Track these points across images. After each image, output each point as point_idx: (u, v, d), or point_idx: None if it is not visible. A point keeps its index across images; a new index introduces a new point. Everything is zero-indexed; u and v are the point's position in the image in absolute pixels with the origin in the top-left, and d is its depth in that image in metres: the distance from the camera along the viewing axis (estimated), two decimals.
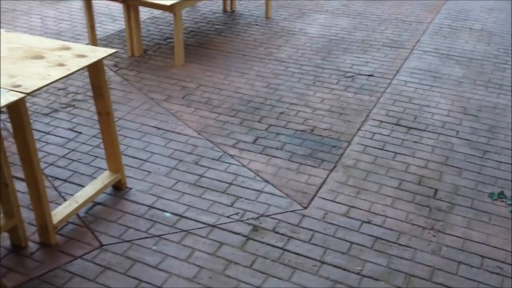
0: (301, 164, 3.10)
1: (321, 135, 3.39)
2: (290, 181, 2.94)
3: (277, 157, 3.16)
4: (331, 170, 3.04)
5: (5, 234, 2.44)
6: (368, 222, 2.63)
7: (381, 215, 2.68)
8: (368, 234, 2.55)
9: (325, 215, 2.68)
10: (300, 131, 3.44)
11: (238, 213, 2.68)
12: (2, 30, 2.74)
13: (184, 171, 3.00)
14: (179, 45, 4.34)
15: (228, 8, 5.74)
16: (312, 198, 2.80)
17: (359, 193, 2.84)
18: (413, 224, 2.61)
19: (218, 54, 4.63)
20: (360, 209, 2.72)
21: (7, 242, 2.44)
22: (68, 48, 2.55)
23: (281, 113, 3.66)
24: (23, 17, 5.29)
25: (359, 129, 3.46)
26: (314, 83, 4.12)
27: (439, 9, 5.88)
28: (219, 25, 5.30)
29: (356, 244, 2.49)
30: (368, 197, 2.81)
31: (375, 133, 3.42)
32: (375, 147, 3.26)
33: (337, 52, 4.69)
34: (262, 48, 4.77)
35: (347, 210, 2.72)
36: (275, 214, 2.68)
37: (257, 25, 5.32)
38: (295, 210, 2.71)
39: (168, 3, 4.15)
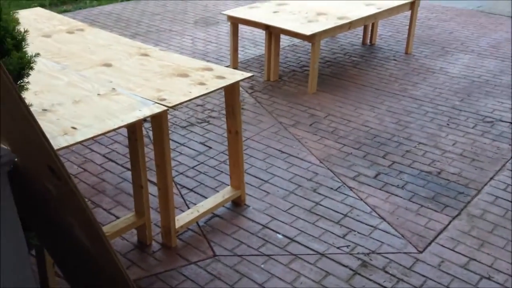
0: (422, 206, 2.98)
1: (447, 179, 3.24)
2: (408, 222, 2.85)
3: (397, 195, 3.08)
4: (454, 217, 2.88)
5: (134, 231, 2.69)
6: (488, 278, 2.44)
7: (504, 273, 2.48)
8: None
9: (441, 263, 2.55)
10: (426, 172, 3.31)
11: (349, 245, 2.66)
12: (157, 48, 3.06)
13: (301, 197, 3.06)
14: (313, 73, 4.45)
15: (368, 41, 5.74)
16: (430, 243, 2.68)
17: (482, 246, 2.66)
18: None
19: (351, 86, 4.65)
20: (482, 263, 2.54)
21: (134, 238, 2.69)
22: (210, 69, 2.77)
23: (408, 151, 3.56)
24: (177, 37, 5.81)
25: (492, 178, 3.24)
26: (448, 124, 3.95)
27: None
28: (356, 57, 5.33)
29: None
30: (493, 251, 2.62)
31: (509, 184, 3.17)
32: (507, 200, 3.03)
33: (478, 95, 4.45)
34: (397, 84, 4.69)
35: (467, 261, 2.56)
36: (387, 253, 2.61)
37: (395, 60, 5.25)
38: (409, 253, 2.61)
39: (308, 33, 4.29)
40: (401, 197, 3.06)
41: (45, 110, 2.24)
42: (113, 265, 1.34)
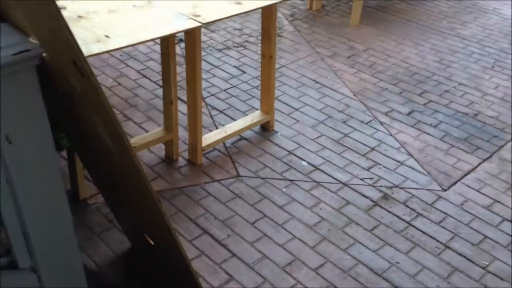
0: (453, 146, 2.92)
1: (484, 122, 3.14)
2: (436, 160, 2.81)
3: (428, 133, 3.02)
4: (484, 160, 2.83)
5: (162, 146, 2.76)
6: (511, 221, 2.42)
7: None
8: (506, 233, 2.35)
9: (464, 203, 2.53)
10: (462, 113, 3.22)
11: (372, 178, 2.66)
12: None
13: (330, 127, 3.04)
14: (358, 5, 4.29)
15: None
16: (455, 183, 2.65)
17: (509, 189, 2.61)
18: None
19: (396, 20, 4.47)
20: (506, 205, 2.51)
21: (162, 153, 2.77)
22: None
23: (446, 91, 3.45)
24: None
25: None
26: (493, 67, 3.78)
27: None
28: None
29: (490, 239, 2.32)
30: None
31: None
32: None
33: None
34: (446, 21, 4.48)
35: (491, 203, 2.53)
36: (410, 188, 2.61)
37: None
38: (433, 190, 2.60)
39: None
40: (432, 135, 3.00)
41: (80, 16, 2.25)
42: (132, 165, 1.39)
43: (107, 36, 2.12)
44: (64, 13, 1.26)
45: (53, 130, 1.44)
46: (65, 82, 1.43)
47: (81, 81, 1.29)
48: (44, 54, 1.35)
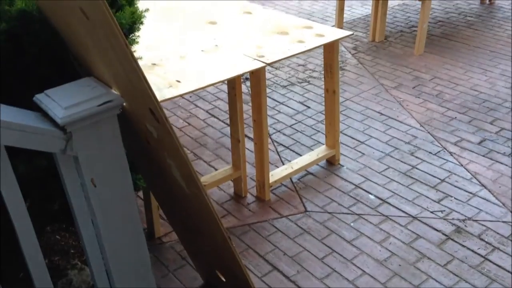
0: None
1: None
2: (511, 190, 2.70)
3: (502, 163, 2.92)
4: None
5: (231, 183, 2.85)
6: None
7: None
8: None
9: None
10: None
11: (444, 211, 2.60)
12: (261, 7, 3.12)
13: (397, 159, 3.01)
14: (422, 33, 4.26)
15: (487, 0, 5.34)
16: None
17: None
18: None
19: (462, 47, 4.39)
20: None
21: (231, 190, 2.85)
22: (310, 27, 2.78)
23: None
24: None
25: None
26: None
27: None
28: (472, 17, 4.99)
29: None
30: None
31: None
32: None
33: None
34: None
35: None
36: (484, 220, 2.52)
37: None
38: (509, 222, 2.50)
39: None
40: (506, 165, 2.90)
41: (154, 64, 2.41)
42: (204, 204, 1.46)
43: (178, 81, 2.26)
44: (140, 62, 1.37)
45: (130, 171, 1.55)
46: (142, 127, 1.55)
47: (157, 127, 1.40)
48: (124, 103, 1.47)
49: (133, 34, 2.00)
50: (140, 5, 2.07)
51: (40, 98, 1.42)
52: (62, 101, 1.37)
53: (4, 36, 1.59)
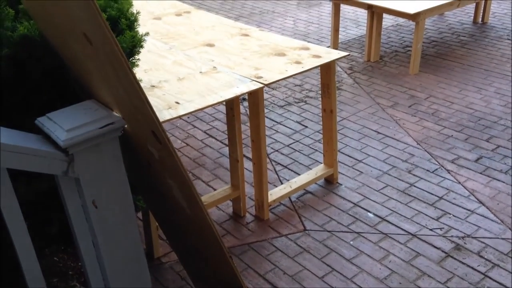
0: None
1: None
2: (509, 207, 2.72)
3: (499, 180, 2.94)
4: None
5: (229, 203, 2.85)
6: None
7: None
8: None
9: None
10: None
11: (442, 228, 2.61)
12: (258, 29, 3.17)
13: (395, 177, 3.03)
14: (416, 53, 4.32)
15: (480, 20, 5.43)
16: None
17: None
18: None
19: (457, 66, 4.45)
20: None
21: (229, 210, 2.86)
22: (307, 48, 2.82)
23: None
24: (279, 18, 5.91)
25: None
26: None
27: None
28: (465, 36, 5.07)
29: None
30: None
31: None
32: None
33: None
34: (509, 64, 4.41)
35: None
36: (483, 237, 2.53)
37: (509, 39, 4.91)
38: (508, 239, 2.51)
39: (412, 11, 4.16)
40: (503, 182, 2.92)
41: (153, 86, 2.44)
42: (205, 224, 1.47)
43: (177, 102, 2.28)
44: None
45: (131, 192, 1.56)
46: (143, 149, 1.57)
47: (159, 148, 1.42)
48: (125, 125, 1.49)
49: (133, 58, 2.03)
50: (140, 29, 2.11)
51: (42, 121, 1.44)
52: (64, 124, 1.39)
53: (6, 61, 1.62)
